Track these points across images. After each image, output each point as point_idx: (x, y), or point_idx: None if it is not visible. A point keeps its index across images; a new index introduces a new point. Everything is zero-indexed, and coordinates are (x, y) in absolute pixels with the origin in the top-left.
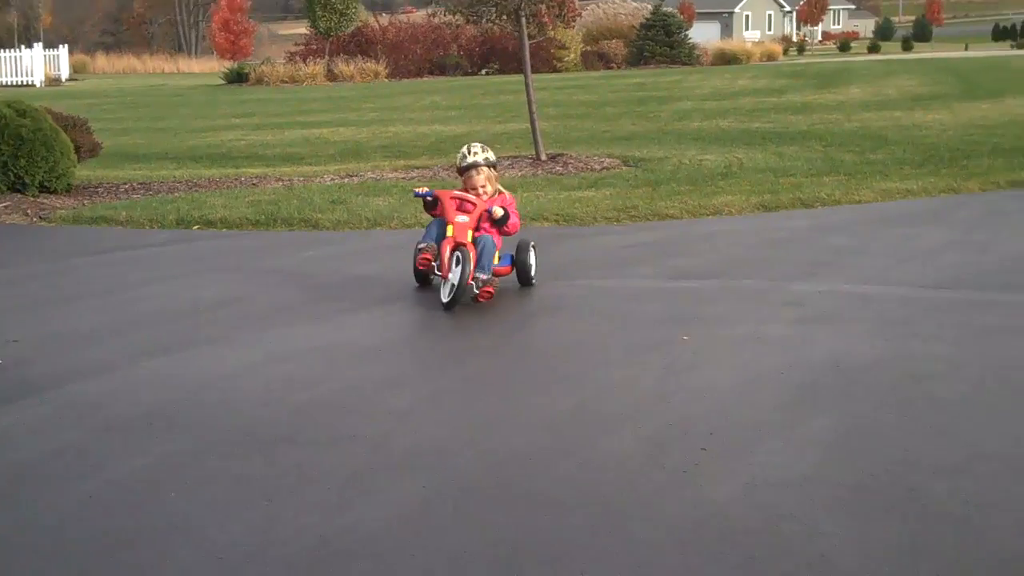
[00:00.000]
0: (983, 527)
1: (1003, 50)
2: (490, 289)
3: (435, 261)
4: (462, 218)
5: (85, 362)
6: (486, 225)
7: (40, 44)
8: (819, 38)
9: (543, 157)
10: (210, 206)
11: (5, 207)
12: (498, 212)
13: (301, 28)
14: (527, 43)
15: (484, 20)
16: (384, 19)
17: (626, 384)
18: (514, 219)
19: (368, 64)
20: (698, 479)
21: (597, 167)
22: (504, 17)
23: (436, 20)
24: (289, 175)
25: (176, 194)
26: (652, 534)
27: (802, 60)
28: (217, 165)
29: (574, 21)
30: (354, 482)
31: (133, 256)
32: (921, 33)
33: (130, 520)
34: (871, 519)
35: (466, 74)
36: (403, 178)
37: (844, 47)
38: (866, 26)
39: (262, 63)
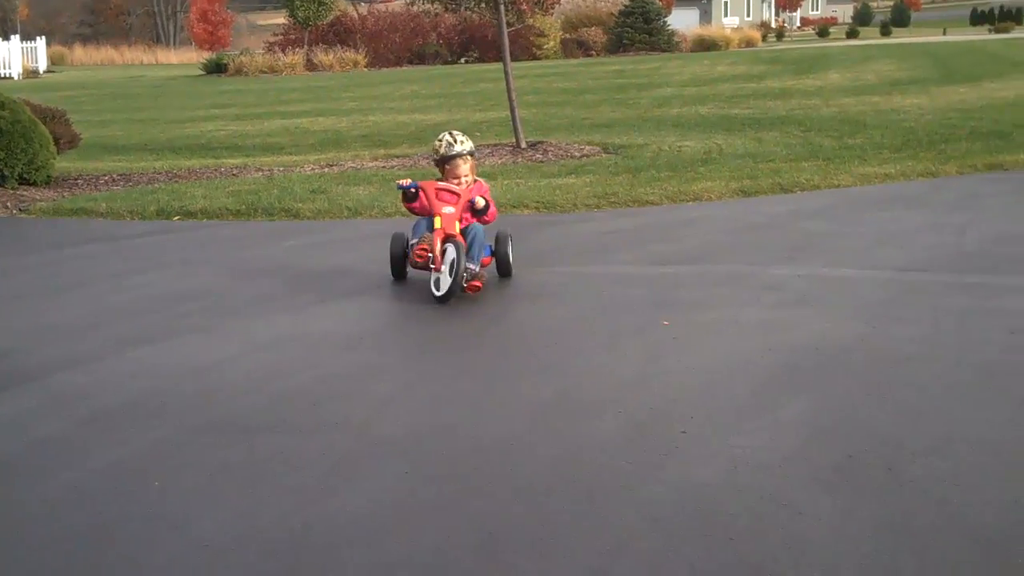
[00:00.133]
0: (961, 506)
1: (981, 34)
2: (478, 283)
3: (431, 254)
4: (448, 209)
5: (68, 353)
6: (466, 215)
7: (17, 36)
8: (798, 24)
9: (523, 145)
10: (190, 197)
11: None
12: (480, 202)
13: (280, 18)
14: (506, 31)
15: (463, 8)
16: (363, 8)
17: (607, 369)
18: (492, 208)
19: (347, 54)
20: (679, 462)
21: (577, 154)
22: (483, 5)
23: (415, 8)
24: (269, 165)
25: (156, 185)
26: (633, 517)
27: (781, 46)
28: (197, 156)
29: (553, 8)
30: (337, 469)
31: (114, 247)
32: (899, 18)
33: (115, 509)
34: (851, 499)
35: (445, 63)
36: (383, 167)
37: (823, 33)
38: (845, 12)
39: (241, 53)
